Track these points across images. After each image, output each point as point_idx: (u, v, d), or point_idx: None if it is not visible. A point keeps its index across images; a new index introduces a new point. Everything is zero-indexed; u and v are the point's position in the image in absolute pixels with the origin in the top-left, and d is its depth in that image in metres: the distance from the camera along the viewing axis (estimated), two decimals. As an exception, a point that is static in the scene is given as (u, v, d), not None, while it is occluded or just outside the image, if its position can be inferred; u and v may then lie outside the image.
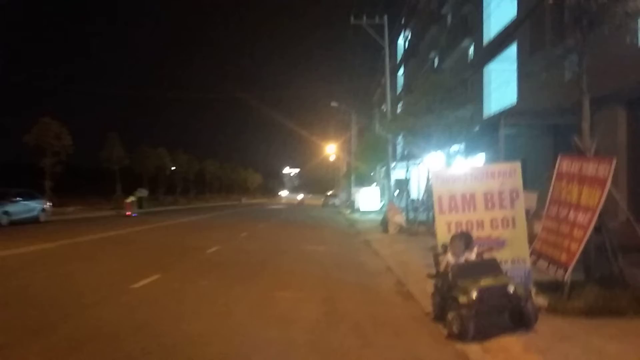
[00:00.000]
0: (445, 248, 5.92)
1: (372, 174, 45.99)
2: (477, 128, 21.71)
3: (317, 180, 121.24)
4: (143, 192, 33.57)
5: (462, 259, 5.71)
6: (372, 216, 29.43)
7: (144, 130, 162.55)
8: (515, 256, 6.20)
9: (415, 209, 23.99)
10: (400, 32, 46.98)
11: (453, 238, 5.82)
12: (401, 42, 49.14)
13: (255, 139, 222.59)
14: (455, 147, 24.40)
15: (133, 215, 29.09)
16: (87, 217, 28.74)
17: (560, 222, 6.60)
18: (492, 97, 26.04)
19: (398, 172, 32.60)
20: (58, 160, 35.34)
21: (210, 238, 15.71)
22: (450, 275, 5.36)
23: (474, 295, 4.87)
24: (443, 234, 6.27)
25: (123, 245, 13.60)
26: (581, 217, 6.17)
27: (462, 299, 4.94)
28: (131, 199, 31.22)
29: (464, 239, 5.81)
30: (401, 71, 48.71)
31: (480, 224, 6.29)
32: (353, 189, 42.59)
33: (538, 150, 19.06)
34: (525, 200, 6.57)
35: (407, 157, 32.63)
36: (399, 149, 39.28)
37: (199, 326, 5.50)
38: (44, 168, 34.57)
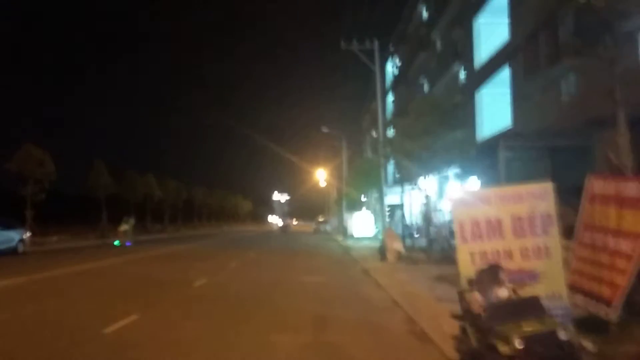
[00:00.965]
0: (471, 283, 5.05)
1: (363, 199, 45.27)
2: (473, 151, 21.16)
3: (307, 206, 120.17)
4: (130, 221, 32.24)
5: (492, 297, 4.85)
6: (366, 242, 28.53)
7: (131, 157, 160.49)
8: (550, 291, 5.34)
9: (411, 235, 23.19)
10: (388, 58, 47.07)
11: (480, 272, 4.96)
12: (390, 68, 49.23)
13: (245, 165, 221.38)
14: (451, 171, 23.80)
15: (127, 244, 27.69)
16: (71, 247, 27.43)
17: (597, 251, 5.78)
18: (485, 121, 25.64)
19: (390, 197, 31.87)
20: (41, 189, 34.14)
21: (198, 269, 14.65)
22: (483, 317, 4.48)
23: (518, 344, 3.98)
24: (466, 266, 5.41)
25: (102, 279, 12.50)
26: (624, 245, 5.36)
27: (504, 349, 4.04)
28: (124, 227, 29.77)
29: (493, 273, 4.95)
30: (389, 97, 48.64)
31: (509, 254, 5.45)
32: (345, 215, 41.67)
33: (535, 173, 18.40)
34: None
35: (401, 181, 32.04)
36: (390, 174, 38.68)
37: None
38: (25, 196, 33.32)
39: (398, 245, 16.50)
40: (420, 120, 16.26)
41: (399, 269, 14.21)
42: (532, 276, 5.39)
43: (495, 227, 5.47)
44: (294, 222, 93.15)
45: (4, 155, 32.58)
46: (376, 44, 27.10)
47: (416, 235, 22.97)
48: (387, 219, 27.20)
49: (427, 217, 19.83)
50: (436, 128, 16.25)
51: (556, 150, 18.58)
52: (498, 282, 4.90)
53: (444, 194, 29.76)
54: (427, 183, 23.51)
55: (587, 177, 6.34)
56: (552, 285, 5.36)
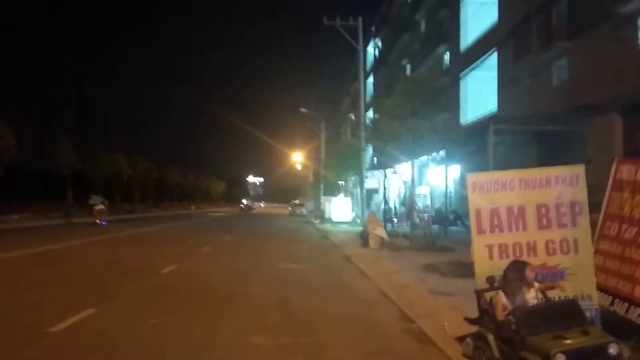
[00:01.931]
0: (491, 282, 4.29)
1: (341, 183, 44.57)
2: (461, 132, 20.55)
3: (282, 189, 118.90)
4: (96, 200, 30.59)
5: (520, 300, 4.09)
6: (344, 227, 27.84)
7: (100, 135, 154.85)
8: (579, 291, 4.62)
9: (391, 220, 22.57)
10: (370, 40, 46.04)
11: (506, 271, 4.19)
12: (371, 49, 48.25)
13: (220, 146, 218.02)
14: (434, 156, 23.17)
15: (102, 223, 26.27)
16: (33, 226, 25.83)
17: (625, 245, 5.08)
18: (469, 105, 25.07)
19: (369, 181, 31.20)
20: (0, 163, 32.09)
21: (167, 254, 13.61)
22: (512, 324, 3.71)
23: (562, 361, 3.23)
24: (483, 261, 4.63)
25: (59, 263, 11.35)
26: (660, 239, 4.69)
27: (543, 367, 3.28)
28: (100, 206, 28.19)
29: (519, 271, 4.19)
30: (370, 79, 47.75)
31: (532, 248, 4.69)
32: (322, 198, 40.89)
33: (521, 158, 17.95)
34: None
35: (381, 166, 31.36)
36: (368, 158, 37.98)
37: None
38: (-18, 171, 31.29)
39: (381, 231, 15.79)
40: (408, 100, 15.44)
41: (383, 256, 13.50)
42: (557, 274, 4.66)
43: (517, 217, 4.70)
44: (261, 205, 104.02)
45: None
46: (360, 20, 26.10)
47: (395, 221, 22.33)
48: (366, 203, 26.56)
49: (409, 202, 19.15)
50: (424, 109, 15.48)
51: (543, 135, 18.10)
52: (526, 282, 4.15)
53: (424, 179, 29.26)
54: (407, 168, 22.86)
55: (614, 161, 5.64)
56: (580, 285, 4.64)
